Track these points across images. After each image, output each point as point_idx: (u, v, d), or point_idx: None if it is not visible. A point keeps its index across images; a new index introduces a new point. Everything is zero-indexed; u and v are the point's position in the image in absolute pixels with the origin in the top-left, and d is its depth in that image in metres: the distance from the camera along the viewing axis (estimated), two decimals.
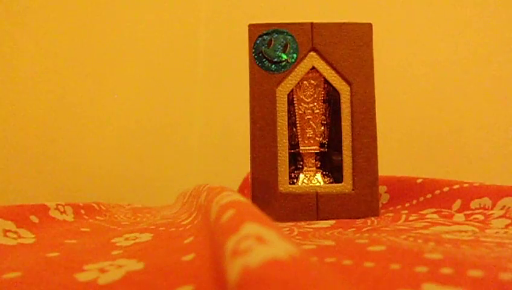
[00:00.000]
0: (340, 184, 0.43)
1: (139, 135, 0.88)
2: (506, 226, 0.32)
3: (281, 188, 0.43)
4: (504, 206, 0.35)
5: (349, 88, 0.44)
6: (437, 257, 0.19)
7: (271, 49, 0.44)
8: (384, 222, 0.37)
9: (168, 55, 0.97)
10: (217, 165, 1.00)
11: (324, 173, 0.46)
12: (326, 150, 0.46)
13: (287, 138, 0.43)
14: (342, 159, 0.43)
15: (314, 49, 0.44)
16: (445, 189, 0.42)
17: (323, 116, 0.46)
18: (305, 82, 0.45)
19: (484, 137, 0.74)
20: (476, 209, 0.37)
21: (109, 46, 0.82)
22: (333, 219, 0.41)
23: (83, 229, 0.36)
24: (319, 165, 0.46)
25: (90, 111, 0.77)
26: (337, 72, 0.44)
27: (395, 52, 0.82)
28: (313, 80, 0.45)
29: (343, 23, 0.44)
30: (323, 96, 0.45)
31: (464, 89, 0.77)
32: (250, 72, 0.44)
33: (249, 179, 0.44)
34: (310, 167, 0.46)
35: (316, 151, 0.46)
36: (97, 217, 0.45)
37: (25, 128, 0.64)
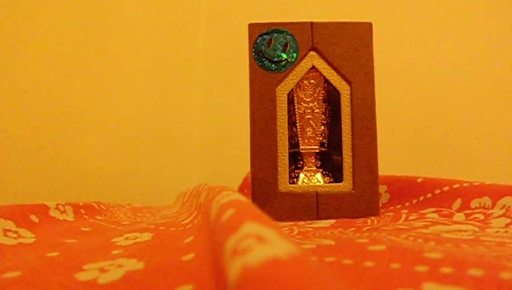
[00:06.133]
0: (340, 184, 0.43)
1: (139, 135, 0.88)
2: (507, 225, 0.32)
3: (281, 188, 0.43)
4: (504, 206, 0.35)
5: (349, 88, 0.44)
6: (437, 256, 0.19)
7: (271, 49, 0.44)
8: (384, 221, 0.37)
9: (168, 55, 0.97)
10: (217, 165, 1.00)
11: (324, 172, 0.46)
12: (326, 149, 0.46)
13: (287, 137, 0.43)
14: (342, 159, 0.43)
15: (314, 49, 0.44)
16: (445, 188, 0.42)
17: (323, 116, 0.46)
18: (305, 81, 0.45)
19: (484, 137, 0.74)
20: (476, 208, 0.37)
21: (109, 45, 0.82)
22: (333, 218, 0.41)
23: (83, 229, 0.36)
24: (319, 165, 0.46)
25: (90, 111, 0.77)
26: (337, 71, 0.44)
27: (395, 52, 0.82)
28: (312, 79, 0.45)
29: (343, 22, 0.44)
30: (323, 96, 0.45)
31: (464, 88, 0.77)
32: (250, 72, 0.44)
33: (249, 179, 0.44)
34: (310, 166, 0.46)
35: (316, 151, 0.46)
36: (97, 217, 0.45)
37: (25, 129, 0.64)
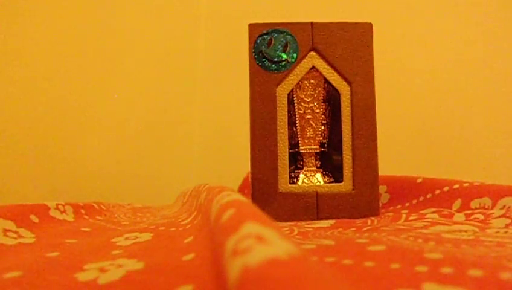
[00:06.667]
0: (340, 184, 0.43)
1: (139, 135, 0.88)
2: (506, 225, 0.32)
3: (281, 188, 0.43)
4: (504, 206, 0.35)
5: (349, 88, 0.44)
6: (437, 257, 0.19)
7: (271, 49, 0.44)
8: (384, 221, 0.37)
9: (168, 55, 0.97)
10: (217, 165, 0.99)
11: (324, 172, 0.46)
12: (326, 149, 0.46)
13: (287, 137, 0.43)
14: (342, 159, 0.43)
15: (314, 49, 0.44)
16: (445, 189, 0.42)
17: (323, 116, 0.46)
18: (305, 82, 0.45)
19: (484, 137, 0.74)
20: (476, 208, 0.37)
21: (109, 46, 0.82)
22: (333, 218, 0.41)
23: (83, 229, 0.36)
24: (319, 165, 0.46)
25: (90, 111, 0.77)
26: (337, 71, 0.44)
27: (395, 52, 0.82)
28: (313, 79, 0.45)
29: (343, 22, 0.44)
30: (323, 96, 0.45)
31: (464, 88, 0.77)
32: (250, 72, 0.44)
33: (249, 179, 0.44)
34: (310, 166, 0.46)
35: (316, 151, 0.46)
36: (97, 217, 0.45)
37: (25, 129, 0.64)
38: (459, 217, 0.36)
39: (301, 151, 0.46)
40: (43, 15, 0.68)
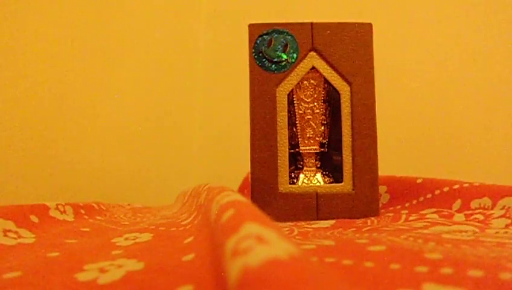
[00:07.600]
0: (340, 184, 0.43)
1: (139, 135, 0.88)
2: (506, 226, 0.32)
3: (281, 188, 0.43)
4: (504, 206, 0.35)
5: (349, 88, 0.44)
6: (437, 257, 0.19)
7: (271, 49, 0.44)
8: (384, 221, 0.37)
9: (168, 55, 0.97)
10: (217, 165, 1.00)
11: (324, 173, 0.46)
12: (326, 150, 0.46)
13: (287, 138, 0.43)
14: (342, 159, 0.43)
15: (314, 49, 0.44)
16: (445, 189, 0.42)
17: (323, 116, 0.46)
18: (305, 82, 0.45)
19: (484, 137, 0.74)
20: (476, 209, 0.37)
21: (109, 45, 0.82)
22: (333, 218, 0.41)
23: (83, 229, 0.36)
24: (319, 165, 0.46)
25: (90, 111, 0.77)
26: (337, 72, 0.44)
27: (395, 52, 0.82)
28: (313, 79, 0.45)
29: (343, 23, 0.44)
30: (323, 96, 0.45)
31: (464, 89, 0.77)
32: (250, 72, 0.44)
33: (249, 179, 0.44)
34: (310, 166, 0.46)
35: (316, 151, 0.46)
36: (97, 217, 0.45)
37: (25, 128, 0.64)
38: (459, 217, 0.36)
39: (301, 152, 0.46)
40: (43, 15, 0.68)
